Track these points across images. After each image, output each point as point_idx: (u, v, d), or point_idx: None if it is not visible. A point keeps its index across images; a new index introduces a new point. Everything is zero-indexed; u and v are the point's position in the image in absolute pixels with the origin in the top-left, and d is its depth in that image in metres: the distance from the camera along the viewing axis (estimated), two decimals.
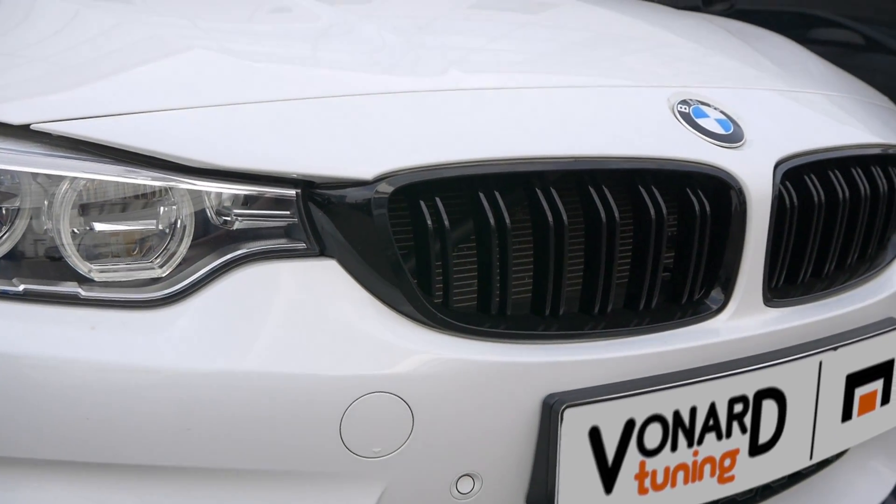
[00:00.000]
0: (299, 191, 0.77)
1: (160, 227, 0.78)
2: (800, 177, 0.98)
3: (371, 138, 0.79)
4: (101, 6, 1.03)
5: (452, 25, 1.11)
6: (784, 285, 1.00)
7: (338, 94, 0.81)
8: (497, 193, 0.80)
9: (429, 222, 0.78)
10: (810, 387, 0.97)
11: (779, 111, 1.03)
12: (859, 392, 1.03)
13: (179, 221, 0.78)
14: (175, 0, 1.08)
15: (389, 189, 0.76)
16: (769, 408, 0.93)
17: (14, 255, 0.76)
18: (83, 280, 0.76)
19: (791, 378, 0.94)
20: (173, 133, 0.76)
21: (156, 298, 0.77)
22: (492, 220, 0.79)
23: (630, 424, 0.83)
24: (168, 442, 0.74)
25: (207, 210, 0.78)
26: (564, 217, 0.82)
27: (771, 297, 0.95)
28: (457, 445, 0.80)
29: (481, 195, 0.80)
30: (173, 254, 0.78)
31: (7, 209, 0.75)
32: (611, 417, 0.82)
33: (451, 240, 0.82)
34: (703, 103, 0.97)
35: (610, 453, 0.82)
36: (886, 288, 1.08)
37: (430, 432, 0.78)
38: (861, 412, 1.04)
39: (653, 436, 0.85)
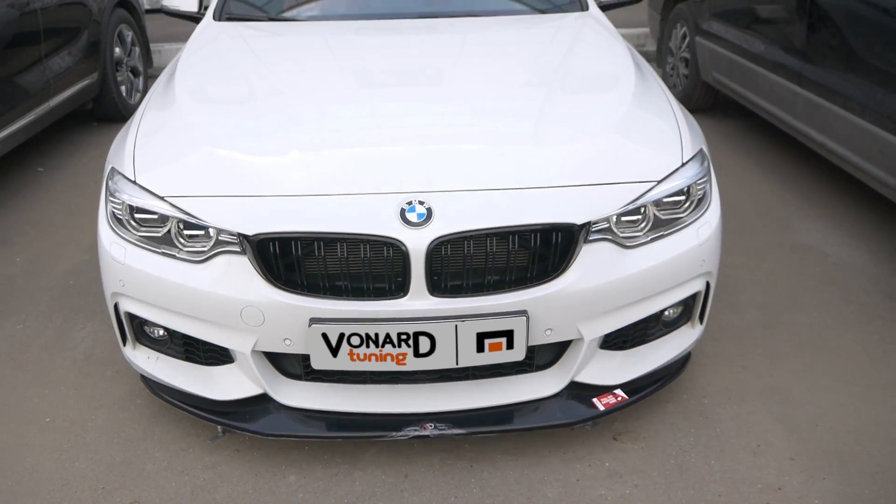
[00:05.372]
0: (240, 233, 2.18)
1: (209, 240, 2.25)
2: (460, 239, 2.12)
3: (253, 217, 2.15)
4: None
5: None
6: (462, 286, 2.16)
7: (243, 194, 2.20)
8: (300, 244, 2.13)
9: (273, 251, 2.14)
10: (451, 334, 2.14)
11: (464, 205, 2.12)
12: (488, 341, 2.16)
13: (213, 239, 2.24)
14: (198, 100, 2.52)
15: (258, 238, 2.13)
16: (424, 340, 2.14)
17: (161, 239, 2.28)
18: (178, 250, 2.27)
19: (437, 329, 2.13)
20: (207, 210, 2.20)
21: (197, 260, 2.25)
22: (294, 252, 2.13)
23: (342, 335, 2.13)
24: (188, 305, 2.24)
25: (218, 235, 2.22)
26: (321, 253, 2.12)
27: (433, 292, 2.14)
28: (283, 328, 2.18)
29: (296, 243, 2.13)
30: (208, 247, 2.25)
31: (163, 222, 2.28)
32: (332, 330, 2.12)
33: (283, 257, 2.16)
34: (420, 202, 2.15)
35: (333, 343, 2.14)
36: (520, 296, 2.16)
37: (272, 322, 2.18)
38: (491, 350, 2.17)
39: (356, 340, 2.15)
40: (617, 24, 7.01)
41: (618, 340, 2.40)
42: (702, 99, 5.59)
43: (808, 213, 4.00)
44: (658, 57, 6.29)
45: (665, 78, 6.08)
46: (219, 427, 2.45)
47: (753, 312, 3.13)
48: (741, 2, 4.81)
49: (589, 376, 2.37)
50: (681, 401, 2.62)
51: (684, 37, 5.68)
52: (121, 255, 2.30)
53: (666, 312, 2.44)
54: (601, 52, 3.10)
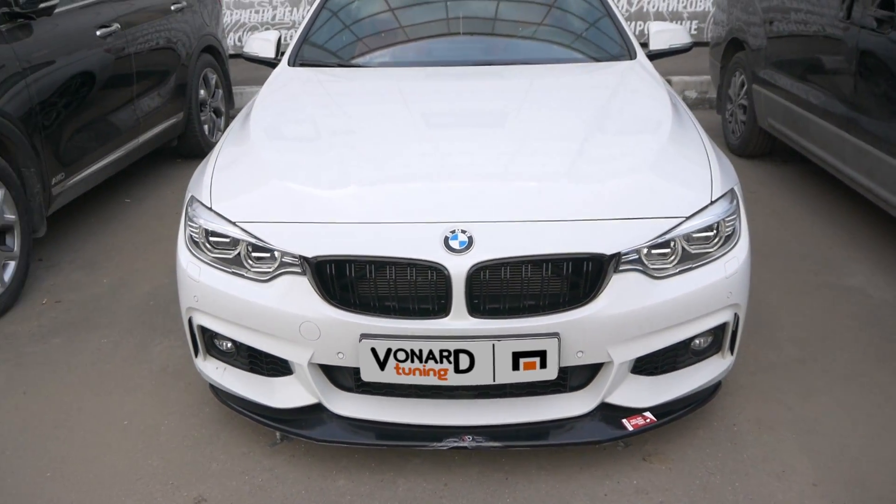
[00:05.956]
0: (301, 255, 2.43)
1: (274, 262, 2.50)
2: (498, 265, 2.33)
3: (313, 241, 2.40)
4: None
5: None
6: (500, 309, 2.36)
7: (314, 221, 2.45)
8: (353, 266, 2.36)
9: (330, 272, 2.38)
10: (489, 352, 2.34)
11: (502, 235, 2.33)
12: (523, 360, 2.35)
13: (278, 261, 2.49)
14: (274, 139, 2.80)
15: (317, 260, 2.38)
16: (464, 357, 2.35)
17: (232, 260, 2.55)
18: (247, 270, 2.53)
19: (476, 347, 2.33)
20: (273, 235, 2.46)
21: (263, 279, 2.50)
22: (348, 273, 2.37)
23: (389, 350, 2.35)
24: (254, 319, 2.49)
25: (282, 258, 2.47)
26: (372, 275, 2.35)
27: (472, 313, 2.34)
28: (337, 342, 2.40)
29: (350, 266, 2.36)
30: (273, 268, 2.50)
31: (234, 245, 2.54)
32: (380, 345, 2.34)
33: (338, 278, 2.40)
34: (463, 231, 2.36)
35: (381, 357, 2.36)
36: (553, 319, 2.34)
37: (327, 337, 2.41)
38: (525, 368, 2.37)
39: (402, 356, 2.36)
40: (681, 72, 7.25)
41: (648, 366, 2.55)
42: (759, 145, 5.70)
43: (854, 256, 4.08)
44: (718, 103, 6.42)
45: (724, 124, 6.21)
46: (277, 434, 2.69)
47: (790, 348, 3.24)
48: (795, 52, 4.94)
49: (619, 398, 2.53)
50: (711, 427, 2.75)
51: (742, 84, 5.81)
52: (196, 274, 2.57)
53: (695, 342, 2.59)
54: (642, 97, 3.30)
